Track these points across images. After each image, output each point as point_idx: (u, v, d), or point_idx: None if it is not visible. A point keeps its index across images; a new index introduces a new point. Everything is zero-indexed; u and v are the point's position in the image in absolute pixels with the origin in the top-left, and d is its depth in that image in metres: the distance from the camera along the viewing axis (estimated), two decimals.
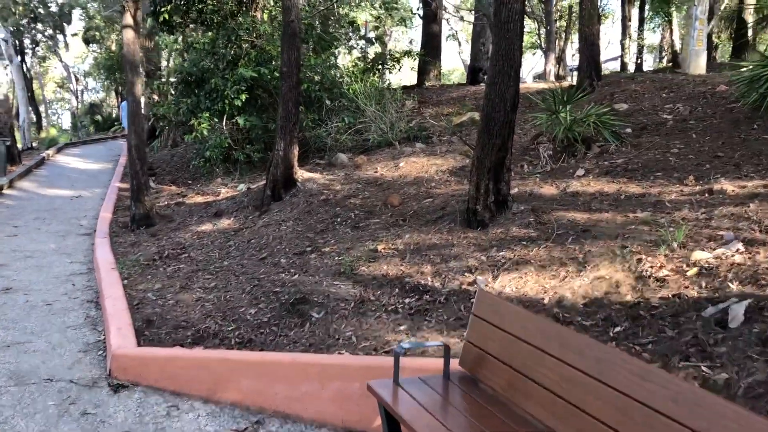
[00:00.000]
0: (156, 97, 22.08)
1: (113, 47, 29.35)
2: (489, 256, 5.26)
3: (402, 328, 4.56)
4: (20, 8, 32.48)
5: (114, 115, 37.41)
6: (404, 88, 13.42)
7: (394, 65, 14.20)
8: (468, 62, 19.12)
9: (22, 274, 7.08)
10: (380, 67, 13.19)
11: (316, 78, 11.12)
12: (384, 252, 5.96)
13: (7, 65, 26.53)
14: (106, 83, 40.82)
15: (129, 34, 8.47)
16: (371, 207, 7.19)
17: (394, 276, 5.42)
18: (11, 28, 29.40)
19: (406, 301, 4.96)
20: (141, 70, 27.21)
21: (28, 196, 12.36)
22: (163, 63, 24.05)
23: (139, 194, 8.77)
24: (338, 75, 11.86)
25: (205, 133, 10.95)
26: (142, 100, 19.28)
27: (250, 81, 10.83)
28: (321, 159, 9.84)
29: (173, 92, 17.77)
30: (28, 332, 5.30)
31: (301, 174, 8.48)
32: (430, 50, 16.14)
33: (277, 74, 11.11)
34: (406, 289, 5.14)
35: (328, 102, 10.90)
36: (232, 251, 7.08)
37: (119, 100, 42.59)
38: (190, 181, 12.14)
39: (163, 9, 11.01)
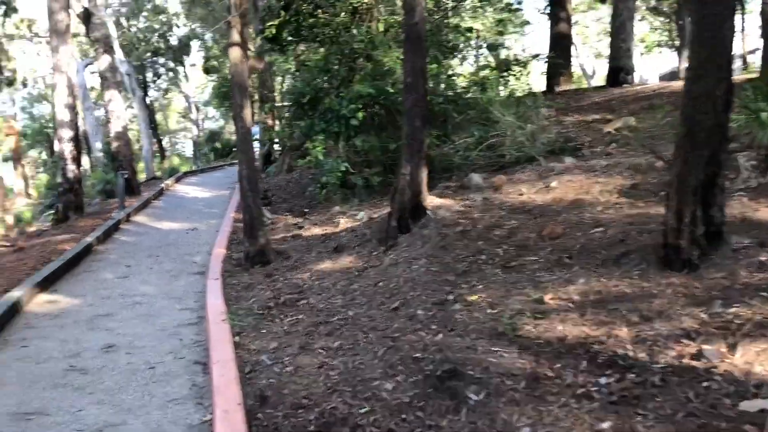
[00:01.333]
0: (270, 122, 21.88)
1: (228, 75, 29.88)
2: (712, 313, 3.78)
3: (605, 426, 3.21)
4: (143, 44, 33.96)
5: (233, 142, 38.23)
6: (532, 95, 11.97)
7: (521, 71, 12.77)
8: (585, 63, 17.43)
9: (127, 326, 6.33)
10: (506, 73, 11.82)
11: (440, 89, 9.96)
12: (553, 304, 4.60)
13: (131, 98, 27.45)
14: (222, 110, 42.03)
15: (236, 53, 7.68)
16: (523, 240, 5.86)
17: (576, 340, 4.06)
18: (135, 63, 30.70)
19: (602, 381, 3.58)
20: (252, 92, 27.36)
21: (144, 231, 12.01)
22: (276, 87, 23.87)
23: (252, 230, 7.92)
24: (463, 84, 10.65)
25: (320, 157, 10.06)
26: (255, 127, 18.98)
27: (366, 98, 9.85)
28: (450, 181, 8.61)
29: (286, 115, 17.29)
30: (125, 409, 4.40)
31: (430, 200, 7.29)
32: (559, 52, 14.59)
33: (395, 89, 10.07)
34: (596, 361, 3.77)
35: (454, 115, 9.69)
36: (357, 297, 5.97)
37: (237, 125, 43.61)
38: (306, 209, 11.31)
39: (270, 24, 10.27)
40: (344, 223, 9.00)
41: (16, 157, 30.23)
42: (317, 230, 9.26)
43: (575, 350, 3.97)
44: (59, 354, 5.59)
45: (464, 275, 5.57)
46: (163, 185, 18.72)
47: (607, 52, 37.45)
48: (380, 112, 10.61)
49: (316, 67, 10.72)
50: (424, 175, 7.14)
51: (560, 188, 6.95)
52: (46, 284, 8.02)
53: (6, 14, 16.05)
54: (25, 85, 18.55)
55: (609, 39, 16.15)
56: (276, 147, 20.07)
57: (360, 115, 9.81)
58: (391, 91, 9.99)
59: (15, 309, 6.93)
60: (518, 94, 11.78)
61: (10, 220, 13.17)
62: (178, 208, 14.94)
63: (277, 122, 21.93)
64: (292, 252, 8.33)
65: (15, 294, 7.11)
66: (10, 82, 17.82)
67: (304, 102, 10.94)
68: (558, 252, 5.43)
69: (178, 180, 21.70)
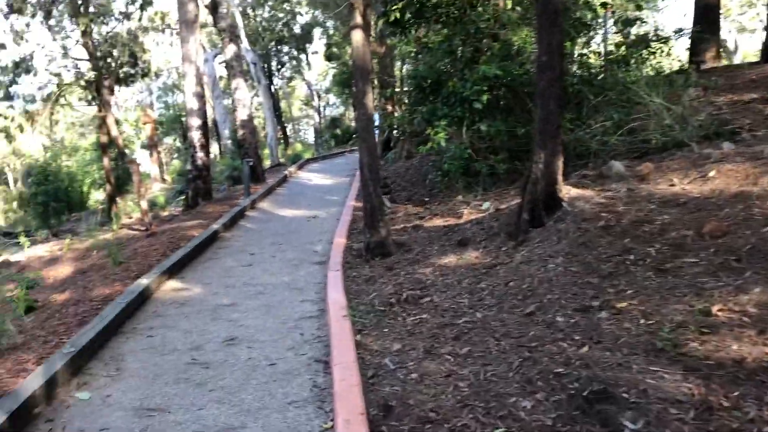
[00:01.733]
0: (390, 108, 21.68)
1: (350, 61, 29.98)
2: None
3: None
4: (268, 33, 34.88)
5: (353, 128, 38.61)
6: (683, 72, 10.81)
7: (660, 48, 11.61)
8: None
9: (249, 318, 6.23)
10: (645, 51, 10.75)
11: (573, 69, 9.19)
12: (723, 317, 3.91)
13: (256, 87, 28.23)
14: (343, 97, 42.50)
15: (358, 36, 7.37)
16: (679, 239, 5.12)
17: (757, 364, 3.39)
18: (260, 52, 31.57)
19: None
20: (372, 78, 27.28)
21: (267, 218, 12.14)
22: (396, 72, 23.59)
23: (372, 220, 7.63)
24: (597, 63, 9.78)
25: (443, 143, 9.60)
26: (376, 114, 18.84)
27: (492, 80, 9.26)
28: (586, 169, 7.88)
29: (407, 101, 16.96)
30: (244, 410, 4.22)
31: (566, 191, 6.64)
32: (706, 25, 13.18)
33: (524, 70, 9.41)
34: None
35: (590, 97, 8.89)
36: (486, 297, 5.49)
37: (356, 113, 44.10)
38: (426, 198, 10.92)
39: (394, 7, 9.89)
40: (468, 213, 8.51)
41: (152, 144, 32.04)
42: (439, 221, 8.84)
43: (757, 376, 3.30)
44: (182, 346, 5.56)
45: (610, 278, 4.94)
46: (286, 172, 19.03)
47: (753, 25, 34.03)
48: (506, 95, 9.98)
49: (439, 49, 10.23)
50: (559, 163, 6.50)
51: (720, 178, 6.06)
52: (173, 271, 8.18)
53: (142, 8, 16.81)
54: (158, 75, 19.40)
55: (766, 10, 14.42)
56: (395, 133, 19.81)
57: (485, 98, 9.24)
58: (520, 72, 9.34)
59: (145, 296, 7.07)
60: (664, 72, 10.73)
61: (144, 205, 13.75)
62: (300, 195, 15.06)
63: (396, 108, 21.69)
64: (414, 244, 7.96)
65: (144, 281, 7.26)
66: (145, 74, 18.67)
67: (425, 86, 10.51)
68: (723, 253, 4.66)
69: (300, 167, 22.04)
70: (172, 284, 7.79)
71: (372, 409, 3.91)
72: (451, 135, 10.09)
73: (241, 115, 16.80)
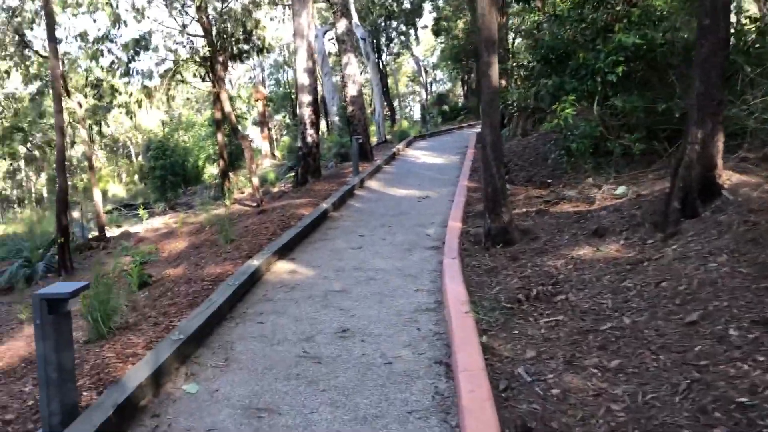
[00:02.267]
0: (503, 82, 20.67)
1: (460, 35, 29.07)
2: None
3: None
4: (377, 8, 34.49)
5: (460, 104, 37.70)
6: None
7: None
8: None
9: (361, 307, 5.80)
10: None
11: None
12: None
13: (365, 63, 27.93)
14: (452, 73, 41.55)
15: (484, 2, 6.68)
16: None
17: None
18: (369, 28, 31.23)
19: None
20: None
21: (376, 197, 11.74)
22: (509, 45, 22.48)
23: (494, 204, 6.98)
24: (755, 29, 8.52)
25: (570, 120, 8.74)
26: None
27: (630, 50, 8.28)
28: (743, 150, 6.83)
29: (523, 75, 16.01)
30: (359, 417, 3.77)
31: (726, 176, 5.71)
32: None
33: (666, 39, 8.37)
34: None
35: (746, 68, 7.73)
36: (633, 299, 4.74)
37: (464, 89, 43.24)
38: (549, 180, 10.09)
39: None
40: (601, 199, 7.67)
41: (263, 121, 32.67)
42: (567, 206, 8.05)
43: None
44: (293, 335, 5.21)
45: None
46: (394, 150, 18.60)
47: None
48: (643, 67, 8.95)
49: (569, 17, 9.31)
50: (719, 144, 5.58)
51: None
52: (284, 252, 7.92)
53: None
54: (269, 51, 19.42)
55: None
56: (509, 110, 18.85)
57: (620, 69, 8.29)
58: (662, 41, 8.30)
59: (255, 277, 6.82)
60: None
61: (256, 181, 13.75)
62: (409, 173, 14.58)
63: (511, 83, 20.68)
64: (540, 231, 7.24)
65: (255, 262, 7.02)
66: (260, 50, 18.72)
67: (551, 58, 9.64)
68: None
69: (408, 144, 21.56)
70: (282, 265, 7.53)
71: (507, 430, 3.34)
72: (578, 111, 9.21)
73: (351, 91, 16.48)
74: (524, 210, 8.52)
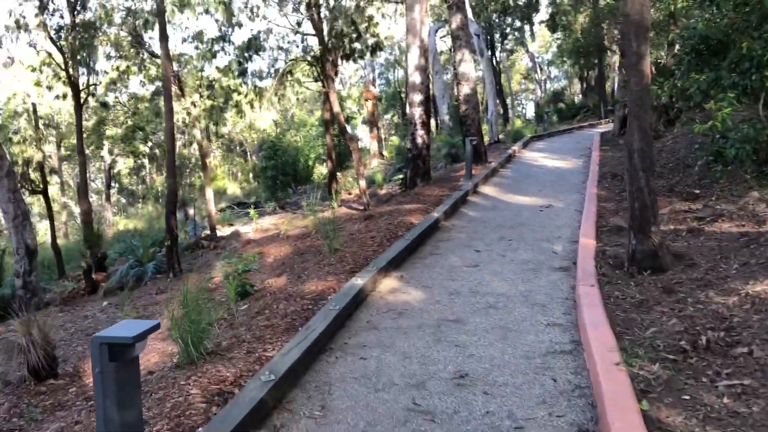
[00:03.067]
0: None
1: (579, 30, 27.27)
2: None
3: None
4: (492, 3, 33.21)
5: (578, 102, 35.64)
6: None
7: None
8: None
9: (481, 344, 4.89)
10: None
11: None
12: None
13: (478, 60, 26.80)
14: (571, 69, 39.48)
15: None
16: None
17: None
18: (482, 24, 30.07)
19: None
20: (608, 46, 24.34)
21: (492, 205, 10.73)
22: None
23: (642, 222, 5.84)
24: None
25: (728, 121, 7.38)
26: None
27: None
28: None
29: (655, 69, 14.44)
30: None
31: None
32: None
33: None
34: None
35: None
36: None
37: (583, 86, 40.97)
38: (696, 191, 8.69)
39: None
40: None
41: (372, 121, 32.31)
42: (728, 225, 6.73)
43: None
44: (401, 379, 4.39)
45: None
46: (510, 151, 17.45)
47: None
48: None
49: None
50: None
51: None
52: (391, 268, 7.14)
53: None
54: (381, 49, 18.81)
55: None
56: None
57: None
58: None
59: (359, 299, 6.09)
60: None
61: (363, 184, 13.12)
62: (527, 178, 13.43)
63: None
64: (697, 257, 6.02)
65: (359, 282, 6.27)
66: (374, 48, 18.15)
67: (703, 49, 8.27)
68: None
69: (525, 145, 20.31)
70: (388, 283, 6.75)
71: None
72: (736, 110, 7.82)
73: (465, 89, 15.51)
74: (671, 227, 7.25)
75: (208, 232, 19.23)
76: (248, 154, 46.25)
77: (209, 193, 18.89)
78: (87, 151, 38.21)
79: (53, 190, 35.60)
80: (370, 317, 5.77)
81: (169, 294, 11.42)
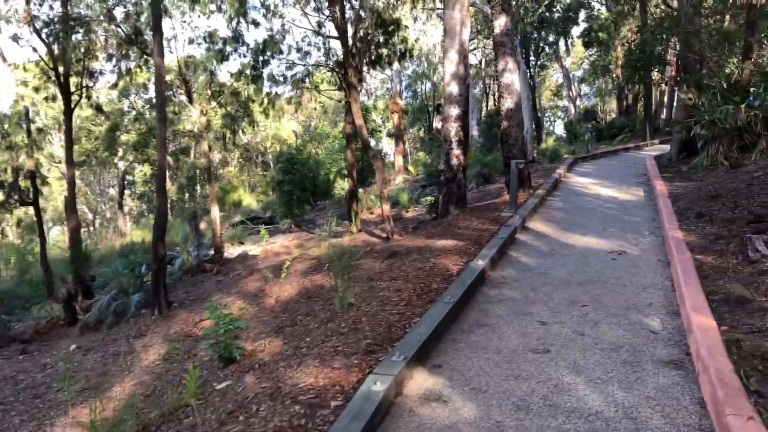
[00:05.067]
0: (691, 96, 16.74)
1: (630, 42, 25.03)
2: None
3: None
4: (530, 14, 31.12)
5: (619, 122, 33.28)
6: None
7: None
8: None
9: None
10: None
11: None
12: None
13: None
14: (605, 87, 37.22)
15: None
16: None
17: None
18: (519, 37, 28.00)
19: None
20: (669, 59, 21.97)
21: (548, 248, 8.59)
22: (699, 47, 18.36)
23: None
24: None
25: None
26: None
27: None
28: None
29: (726, 84, 12.29)
30: None
31: None
32: None
33: None
34: None
35: None
36: None
37: (622, 104, 38.56)
38: None
39: None
40: None
41: (398, 134, 30.38)
42: None
43: None
44: None
45: None
46: (555, 175, 15.31)
47: None
48: None
49: None
50: None
51: None
52: (424, 353, 5.04)
53: None
54: (410, 55, 16.81)
55: None
56: (700, 131, 14.97)
57: None
58: None
59: (377, 417, 4.01)
60: None
61: (387, 208, 11.11)
62: (583, 211, 11.27)
63: (701, 96, 16.70)
64: None
65: (378, 387, 4.18)
66: (403, 55, 16.18)
67: None
68: None
69: (569, 168, 18.16)
70: (421, 382, 4.66)
71: None
72: None
73: (508, 102, 13.41)
74: None
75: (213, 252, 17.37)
76: (268, 165, 44.53)
77: (215, 211, 16.99)
78: (101, 157, 36.79)
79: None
80: None
81: (148, 339, 9.48)
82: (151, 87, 23.57)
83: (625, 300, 6.19)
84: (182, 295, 13.19)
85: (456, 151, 11.72)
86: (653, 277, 6.92)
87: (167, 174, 39.58)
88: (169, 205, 36.59)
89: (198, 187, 40.37)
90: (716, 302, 5.66)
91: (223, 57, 15.64)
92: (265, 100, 15.91)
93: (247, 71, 15.63)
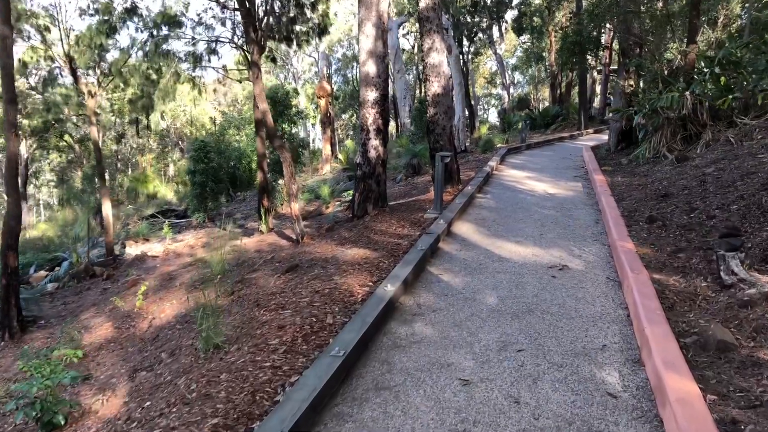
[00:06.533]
0: (631, 83, 15.70)
1: (552, 34, 24.00)
2: None
3: None
4: None
5: (553, 110, 32.48)
6: None
7: None
8: None
9: None
10: None
11: None
12: None
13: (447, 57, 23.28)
14: (537, 75, 36.46)
15: None
16: None
17: None
18: (451, 18, 26.61)
19: None
20: (606, 44, 20.94)
21: (476, 262, 7.10)
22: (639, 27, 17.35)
23: None
24: None
25: None
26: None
27: None
28: None
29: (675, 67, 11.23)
30: None
31: None
32: None
33: None
34: None
35: None
36: None
37: (556, 92, 37.85)
38: None
39: None
40: None
41: (325, 121, 28.60)
42: None
43: None
44: None
45: None
46: (487, 168, 13.94)
47: None
48: None
49: None
50: None
51: None
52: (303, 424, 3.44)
53: None
54: (327, 31, 15.04)
55: None
56: (639, 121, 13.90)
57: None
58: None
59: None
60: None
61: (296, 207, 9.48)
62: (517, 211, 9.87)
63: (640, 83, 15.71)
64: None
65: None
66: (321, 31, 14.41)
67: None
68: None
69: (502, 160, 16.87)
70: None
71: None
72: None
73: (435, 86, 11.89)
74: None
75: (106, 254, 15.29)
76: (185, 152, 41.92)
77: (107, 207, 14.90)
78: None
79: None
80: None
81: None
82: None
83: (571, 341, 4.75)
84: (59, 308, 11.20)
85: (374, 142, 10.13)
86: (603, 303, 5.53)
87: (75, 163, 36.34)
88: (71, 196, 33.58)
89: (114, 179, 37.49)
90: (691, 349, 4.27)
91: (111, 30, 13.52)
92: (168, 79, 13.88)
93: (137, 47, 13.58)
